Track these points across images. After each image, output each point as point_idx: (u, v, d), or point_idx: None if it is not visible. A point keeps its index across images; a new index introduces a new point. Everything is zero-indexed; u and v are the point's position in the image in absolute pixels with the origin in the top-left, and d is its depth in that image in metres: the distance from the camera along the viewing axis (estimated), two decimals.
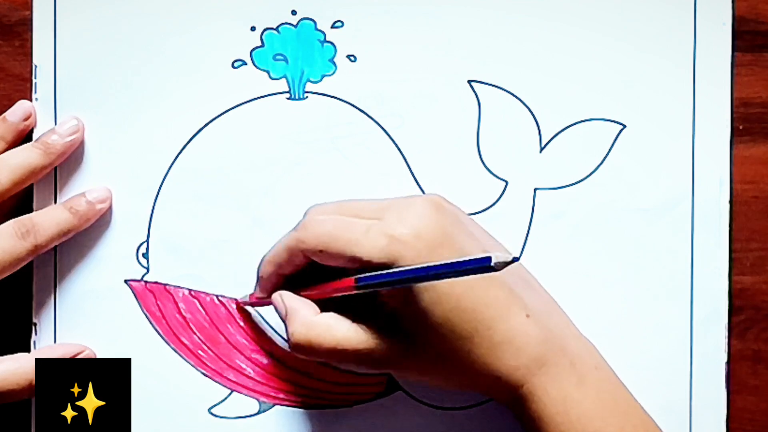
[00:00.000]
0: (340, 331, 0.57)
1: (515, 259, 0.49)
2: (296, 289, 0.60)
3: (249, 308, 0.63)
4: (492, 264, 0.49)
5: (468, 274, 0.50)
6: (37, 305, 0.63)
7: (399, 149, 0.63)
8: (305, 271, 0.59)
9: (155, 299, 0.63)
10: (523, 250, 0.63)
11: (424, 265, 0.53)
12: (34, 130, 0.63)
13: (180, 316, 0.63)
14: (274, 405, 0.63)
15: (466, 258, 0.50)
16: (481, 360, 0.55)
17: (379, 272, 0.55)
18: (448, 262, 0.51)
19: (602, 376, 0.57)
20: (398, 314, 0.56)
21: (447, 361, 0.56)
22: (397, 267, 0.55)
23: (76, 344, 0.62)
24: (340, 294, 0.57)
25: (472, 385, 0.57)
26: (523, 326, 0.56)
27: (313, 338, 0.57)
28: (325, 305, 0.58)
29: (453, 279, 0.52)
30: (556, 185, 0.63)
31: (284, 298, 0.59)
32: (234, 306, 0.63)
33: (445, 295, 0.55)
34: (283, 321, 0.59)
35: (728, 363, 0.62)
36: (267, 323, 0.63)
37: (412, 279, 0.53)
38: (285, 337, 0.63)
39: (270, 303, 0.61)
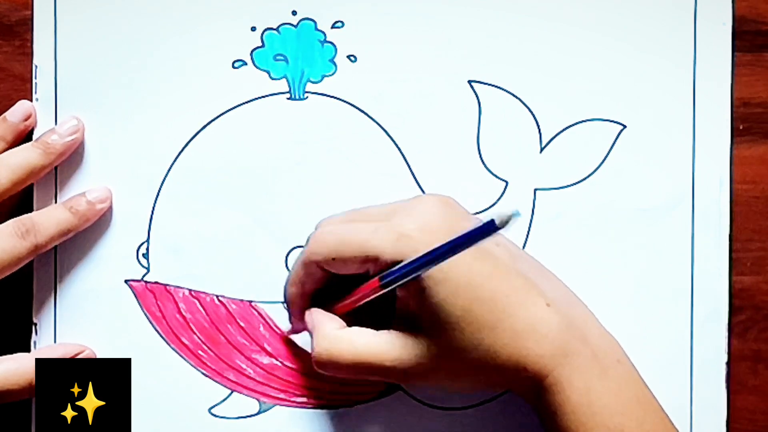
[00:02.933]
0: (362, 343, 0.57)
1: (516, 213, 0.49)
2: (327, 306, 0.60)
3: (259, 307, 0.63)
4: (497, 224, 0.49)
5: (468, 244, 0.51)
6: (37, 305, 0.63)
7: (399, 149, 0.63)
8: (333, 290, 0.59)
9: (155, 299, 0.63)
10: (523, 250, 0.63)
11: (437, 247, 0.53)
12: (35, 131, 0.63)
13: (180, 316, 0.63)
14: (274, 405, 0.63)
15: (472, 227, 0.51)
16: (505, 350, 0.55)
17: (400, 265, 0.55)
18: (458, 236, 0.52)
19: (624, 370, 0.56)
20: (418, 315, 0.56)
21: (472, 356, 0.55)
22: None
23: (76, 344, 0.62)
24: (368, 299, 0.57)
25: (498, 379, 0.56)
26: (545, 314, 0.55)
27: (334, 352, 0.57)
28: (358, 321, 0.59)
29: (470, 268, 0.53)
30: (556, 185, 0.63)
31: (311, 314, 0.60)
32: (234, 306, 0.63)
33: (463, 287, 0.55)
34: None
35: (728, 363, 0.63)
36: (270, 323, 0.64)
37: (432, 261, 0.53)
38: (285, 335, 0.64)
39: (305, 328, 0.61)
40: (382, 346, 0.56)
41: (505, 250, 0.57)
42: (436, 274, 0.55)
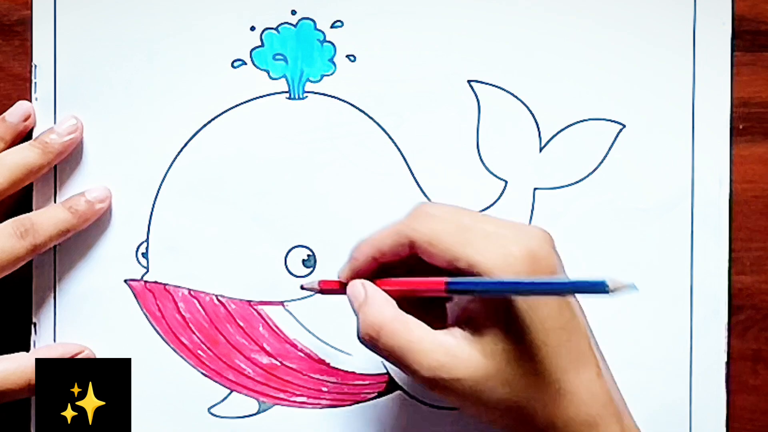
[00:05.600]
0: (416, 333, 0.54)
1: (633, 287, 0.47)
2: (378, 280, 0.57)
3: (259, 307, 0.63)
4: (609, 289, 0.47)
5: (573, 293, 0.50)
6: (37, 305, 0.63)
7: (399, 149, 0.63)
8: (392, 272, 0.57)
9: (155, 299, 0.63)
10: None
11: (526, 279, 0.51)
12: (34, 130, 0.63)
13: (179, 315, 0.63)
14: (273, 405, 0.63)
15: (582, 280, 0.49)
16: (539, 402, 0.53)
17: (476, 279, 0.52)
18: (561, 280, 0.51)
19: None
20: (479, 323, 0.54)
21: (504, 390, 0.53)
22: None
23: (75, 344, 0.62)
24: (425, 294, 0.55)
25: (522, 427, 0.54)
26: (592, 383, 0.54)
27: (387, 331, 0.54)
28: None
29: (551, 312, 0.52)
30: (555, 185, 0.63)
31: (365, 285, 0.56)
32: (233, 306, 0.63)
33: (536, 325, 0.53)
34: (355, 312, 0.56)
35: (728, 363, 0.62)
36: (270, 323, 0.64)
37: (507, 291, 0.52)
38: (287, 336, 0.63)
39: (340, 293, 0.58)
40: (435, 345, 0.53)
41: (580, 307, 0.55)
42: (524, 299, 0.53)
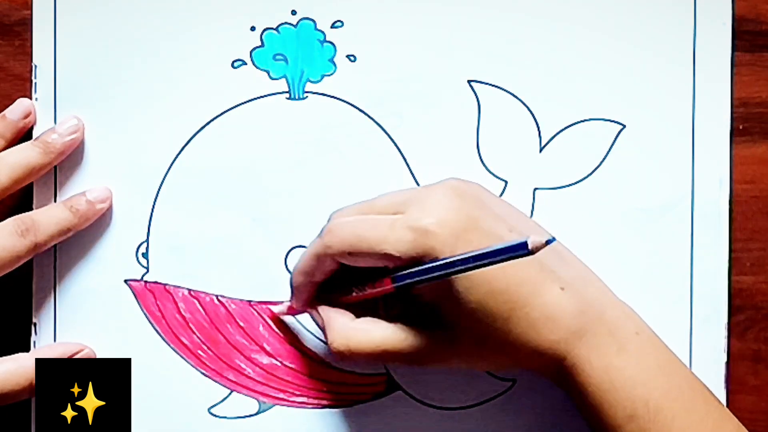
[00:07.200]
0: (379, 334, 0.57)
1: (550, 241, 0.49)
2: (334, 295, 0.60)
3: (259, 307, 0.63)
4: (529, 248, 0.49)
5: (505, 260, 0.51)
6: (37, 305, 0.63)
7: (399, 149, 0.63)
8: (339, 275, 0.59)
9: (155, 299, 0.63)
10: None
11: (461, 256, 0.53)
12: (34, 129, 0.63)
13: (180, 315, 0.63)
14: (273, 405, 0.63)
15: (503, 245, 0.51)
16: (521, 338, 0.55)
17: (416, 268, 0.55)
18: (485, 251, 0.52)
19: (643, 341, 0.57)
20: (434, 305, 0.57)
21: (488, 344, 0.56)
22: (427, 259, 0.55)
23: (75, 343, 0.62)
24: (377, 295, 0.58)
25: (515, 363, 0.57)
26: (559, 300, 0.56)
27: (353, 345, 0.57)
28: (361, 309, 0.59)
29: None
30: (555, 185, 0.63)
31: (320, 309, 0.60)
32: (233, 306, 0.63)
33: (478, 280, 0.55)
34: (322, 331, 0.60)
35: (728, 363, 0.62)
36: (270, 323, 0.64)
37: (450, 271, 0.54)
38: (287, 336, 0.64)
39: (305, 311, 0.62)
40: (399, 335, 0.57)
41: (519, 235, 0.57)
42: None
